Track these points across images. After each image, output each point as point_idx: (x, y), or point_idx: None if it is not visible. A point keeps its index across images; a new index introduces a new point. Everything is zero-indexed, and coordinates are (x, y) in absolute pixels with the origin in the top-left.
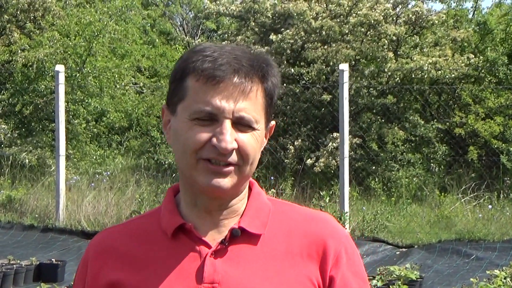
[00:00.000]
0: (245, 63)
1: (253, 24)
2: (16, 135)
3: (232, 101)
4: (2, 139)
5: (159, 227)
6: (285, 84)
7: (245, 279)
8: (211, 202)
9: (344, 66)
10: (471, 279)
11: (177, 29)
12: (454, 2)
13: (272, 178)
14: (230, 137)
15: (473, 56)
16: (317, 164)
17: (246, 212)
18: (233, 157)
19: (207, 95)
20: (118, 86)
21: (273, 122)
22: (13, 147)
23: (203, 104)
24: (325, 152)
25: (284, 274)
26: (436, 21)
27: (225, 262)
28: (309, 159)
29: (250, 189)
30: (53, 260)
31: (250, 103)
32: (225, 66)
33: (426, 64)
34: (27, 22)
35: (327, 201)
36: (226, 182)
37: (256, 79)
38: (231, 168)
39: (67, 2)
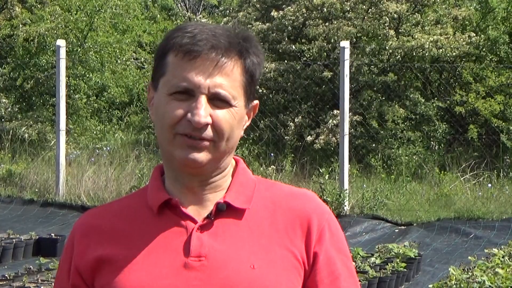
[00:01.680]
0: (223, 39)
1: (255, 0)
2: (16, 109)
3: (208, 77)
4: (3, 113)
5: (145, 205)
6: (286, 61)
7: (231, 253)
8: (191, 179)
9: (345, 44)
10: (470, 258)
11: (179, 4)
12: None
13: (272, 154)
14: (204, 112)
15: (474, 34)
16: (317, 141)
17: (231, 187)
18: (208, 133)
19: (184, 70)
20: (119, 61)
21: (256, 101)
22: (13, 121)
23: (180, 79)
24: (325, 129)
25: (269, 249)
26: (438, 0)
27: (211, 236)
28: (309, 136)
29: (236, 165)
30: (53, 234)
31: (227, 80)
32: (202, 42)
33: (427, 42)
34: None
35: (327, 178)
36: (202, 156)
37: (235, 56)
38: (206, 143)
39: None
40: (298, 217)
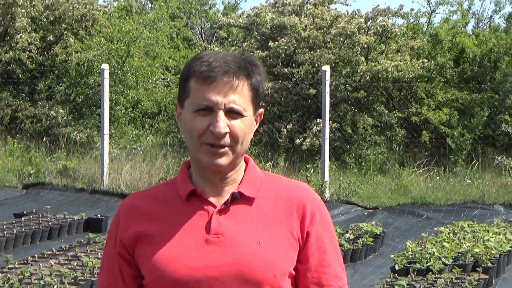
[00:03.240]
0: (233, 65)
1: (256, 33)
2: (70, 118)
3: (224, 95)
4: (60, 121)
5: (175, 193)
6: (280, 81)
7: (242, 232)
8: (214, 175)
9: (326, 67)
10: (422, 234)
11: (197, 36)
12: (412, 18)
13: (269, 154)
14: (223, 124)
15: (427, 60)
16: (304, 143)
17: (244, 180)
18: (226, 140)
19: (204, 92)
20: (150, 81)
21: (261, 110)
22: (68, 127)
23: (202, 99)
24: (310, 134)
25: (272, 229)
26: (398, 33)
27: (227, 218)
28: (298, 139)
29: (247, 163)
30: (99, 215)
31: (238, 96)
32: (217, 69)
33: (390, 67)
34: (80, 30)
35: (312, 172)
36: (223, 160)
37: (243, 77)
38: (226, 149)
39: (111, 15)
40: (296, 204)
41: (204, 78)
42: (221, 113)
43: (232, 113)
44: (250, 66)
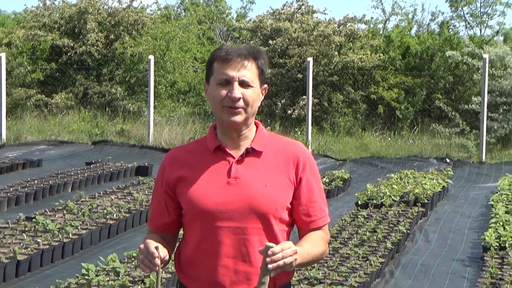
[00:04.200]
0: (244, 51)
1: (259, 34)
2: (126, 94)
3: (237, 71)
4: (118, 96)
5: (205, 147)
6: (276, 68)
7: (253, 177)
8: (232, 132)
9: (310, 59)
10: (378, 179)
11: (217, 36)
12: (372, 24)
13: (268, 120)
14: (237, 91)
15: (382, 54)
16: (294, 113)
17: (255, 138)
18: (240, 103)
19: (224, 69)
20: (183, 68)
21: (265, 85)
22: (124, 100)
23: (222, 75)
24: (298, 106)
25: (275, 175)
26: (362, 35)
27: (242, 167)
28: (289, 110)
29: (257, 127)
30: (146, 164)
31: (248, 72)
32: (233, 53)
33: (356, 59)
34: (133, 31)
35: (299, 134)
36: (238, 118)
37: (251, 59)
38: (240, 110)
39: (156, 20)
40: (292, 157)
41: (223, 59)
42: (236, 84)
43: (244, 84)
44: (257, 52)
